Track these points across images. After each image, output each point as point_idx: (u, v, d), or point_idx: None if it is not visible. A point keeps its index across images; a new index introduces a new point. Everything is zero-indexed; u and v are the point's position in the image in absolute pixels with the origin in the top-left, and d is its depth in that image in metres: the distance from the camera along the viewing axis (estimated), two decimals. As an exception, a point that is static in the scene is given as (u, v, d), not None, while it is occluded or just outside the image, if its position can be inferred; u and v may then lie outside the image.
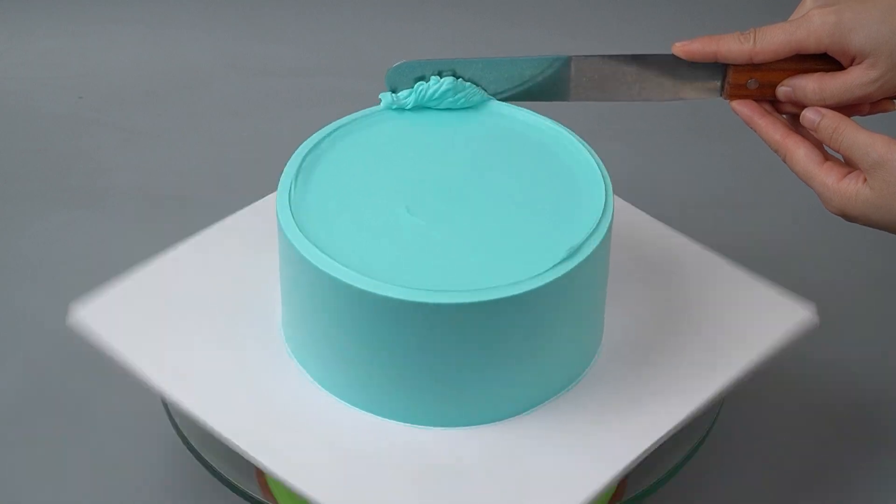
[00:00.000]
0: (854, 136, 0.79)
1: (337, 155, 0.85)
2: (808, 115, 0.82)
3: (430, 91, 0.86)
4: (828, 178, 0.80)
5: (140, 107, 1.30)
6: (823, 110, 0.82)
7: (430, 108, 0.88)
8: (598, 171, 0.85)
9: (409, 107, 0.87)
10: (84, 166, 1.23)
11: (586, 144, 0.86)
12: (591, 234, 0.80)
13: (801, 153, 0.82)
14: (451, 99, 0.87)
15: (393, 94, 0.87)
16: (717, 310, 0.88)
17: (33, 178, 1.22)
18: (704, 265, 0.91)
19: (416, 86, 0.87)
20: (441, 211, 0.82)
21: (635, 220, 0.95)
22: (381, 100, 0.88)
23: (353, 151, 0.86)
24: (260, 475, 0.87)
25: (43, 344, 1.06)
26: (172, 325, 0.86)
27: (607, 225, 0.81)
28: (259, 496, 0.84)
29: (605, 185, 0.83)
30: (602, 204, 0.82)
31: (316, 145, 0.85)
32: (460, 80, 0.87)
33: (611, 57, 0.86)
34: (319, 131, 0.86)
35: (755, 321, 0.87)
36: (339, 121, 0.87)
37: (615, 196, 0.84)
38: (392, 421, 0.82)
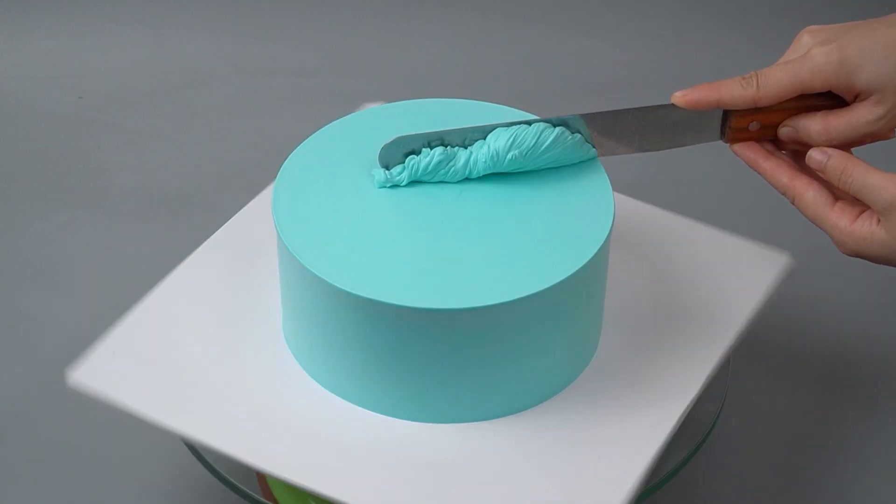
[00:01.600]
0: (864, 177, 0.77)
1: (334, 165, 0.86)
2: (814, 156, 0.80)
3: (423, 164, 0.83)
4: (840, 220, 0.78)
5: (140, 107, 1.30)
6: (830, 150, 0.79)
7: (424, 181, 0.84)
8: (600, 172, 0.85)
9: (403, 183, 0.84)
10: (84, 166, 1.23)
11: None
12: (591, 241, 0.81)
13: (809, 196, 0.80)
14: (442, 171, 0.83)
15: (386, 172, 0.84)
16: (706, 279, 0.90)
17: (33, 178, 1.22)
18: (686, 236, 0.93)
19: (407, 161, 0.84)
20: (440, 217, 0.82)
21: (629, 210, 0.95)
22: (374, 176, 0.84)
23: (350, 159, 0.86)
24: (261, 476, 0.87)
25: (43, 344, 1.06)
26: (173, 360, 0.85)
27: (607, 230, 0.82)
28: (260, 497, 0.84)
29: (606, 188, 0.84)
30: (604, 207, 0.83)
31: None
32: (448, 147, 0.83)
33: (609, 113, 0.83)
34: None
35: (743, 277, 0.89)
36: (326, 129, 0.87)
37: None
38: (390, 417, 0.82)
